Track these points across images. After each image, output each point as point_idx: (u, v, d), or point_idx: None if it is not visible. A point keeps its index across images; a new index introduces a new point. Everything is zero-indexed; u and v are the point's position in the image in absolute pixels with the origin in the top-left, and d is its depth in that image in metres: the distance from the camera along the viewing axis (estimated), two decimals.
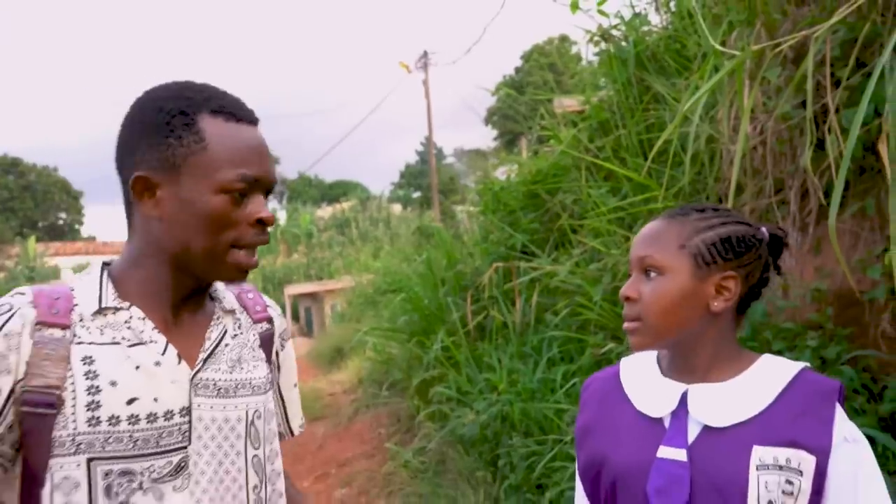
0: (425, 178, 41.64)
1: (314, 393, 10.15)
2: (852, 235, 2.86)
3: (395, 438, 6.68)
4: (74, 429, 1.15)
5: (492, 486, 4.50)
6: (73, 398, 1.16)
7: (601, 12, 4.91)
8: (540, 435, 4.16)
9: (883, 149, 2.21)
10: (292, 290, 27.07)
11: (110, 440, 1.17)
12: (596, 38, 5.26)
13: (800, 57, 3.00)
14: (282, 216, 35.26)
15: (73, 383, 1.16)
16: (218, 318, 1.33)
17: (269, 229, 1.28)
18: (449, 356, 5.98)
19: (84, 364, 1.18)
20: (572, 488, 3.54)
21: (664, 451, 1.27)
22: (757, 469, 1.20)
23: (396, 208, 37.45)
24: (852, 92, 2.69)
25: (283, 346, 1.50)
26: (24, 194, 52.65)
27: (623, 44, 5.03)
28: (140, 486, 1.18)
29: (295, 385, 1.55)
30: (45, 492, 1.14)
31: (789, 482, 1.19)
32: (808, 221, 3.10)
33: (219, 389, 1.28)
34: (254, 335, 1.39)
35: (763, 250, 1.35)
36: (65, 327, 1.18)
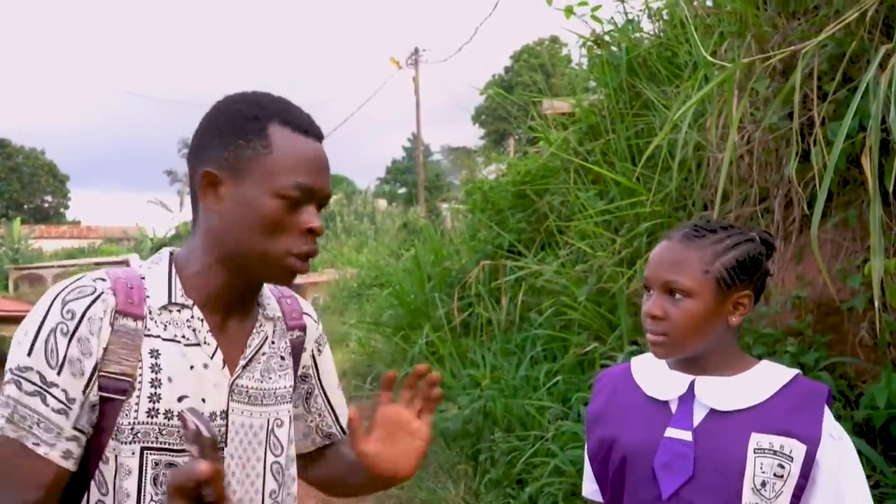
0: (411, 175, 41.60)
1: None
2: (834, 245, 2.93)
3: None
4: (135, 418, 1.21)
5: (472, 480, 4.56)
6: (139, 388, 1.21)
7: (595, 18, 4.97)
8: (521, 431, 4.22)
9: (866, 162, 2.27)
10: None
11: (163, 432, 1.22)
12: (589, 44, 5.31)
13: (788, 69, 3.07)
14: None
15: (141, 374, 1.22)
16: (260, 326, 1.37)
17: (319, 240, 1.34)
18: (433, 351, 6.04)
19: (151, 357, 1.23)
20: (552, 484, 3.60)
21: (671, 432, 1.43)
22: (754, 452, 1.36)
23: (382, 203, 37.34)
24: (838, 106, 2.76)
25: (319, 350, 1.54)
26: (10, 176, 52.23)
27: (615, 50, 5.09)
28: None
29: (338, 386, 1.58)
30: (111, 470, 1.21)
31: (781, 466, 1.35)
32: (792, 230, 3.17)
33: (250, 396, 1.33)
34: (285, 343, 1.43)
35: (766, 263, 1.49)
36: (138, 318, 1.23)
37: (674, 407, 1.46)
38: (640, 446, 1.45)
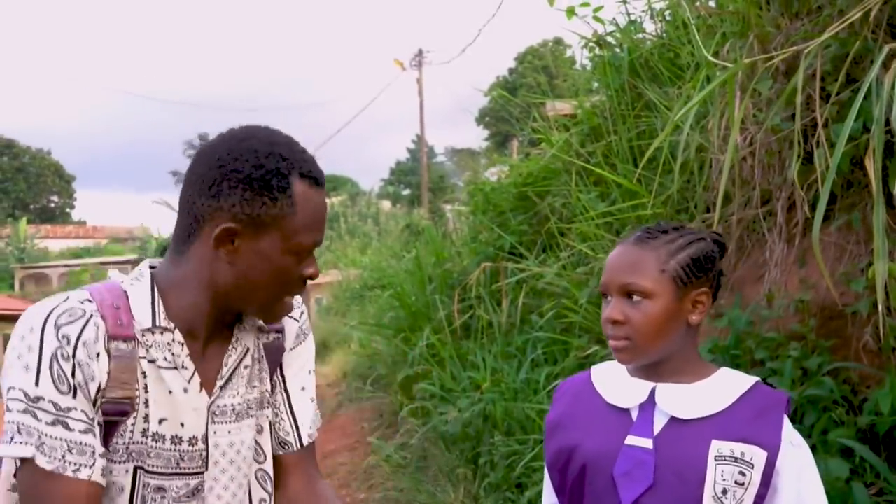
0: (415, 176, 41.62)
1: None
2: (838, 248, 2.89)
3: (378, 433, 6.69)
4: (130, 438, 1.21)
5: (472, 484, 4.53)
6: (136, 409, 1.21)
7: (597, 19, 4.93)
8: (521, 435, 4.18)
9: (869, 164, 2.24)
10: None
11: (151, 454, 1.23)
12: (591, 45, 5.27)
13: (792, 70, 3.03)
14: None
15: (137, 395, 1.21)
16: (237, 341, 1.35)
17: (324, 241, 1.34)
18: (434, 353, 6.00)
19: (143, 378, 1.22)
20: None
21: (632, 440, 1.42)
22: (715, 459, 1.36)
23: (386, 205, 37.36)
24: (842, 107, 2.72)
25: (293, 347, 1.47)
26: (17, 176, 52.47)
27: (617, 50, 5.05)
28: (180, 501, 1.25)
29: (304, 389, 1.48)
30: None
31: (742, 473, 1.35)
32: (795, 233, 3.13)
33: (236, 414, 1.32)
34: (260, 347, 1.40)
35: (720, 261, 1.51)
36: (129, 339, 1.22)
37: (634, 414, 1.46)
38: (601, 454, 1.44)
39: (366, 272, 14.44)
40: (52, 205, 56.71)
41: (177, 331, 1.26)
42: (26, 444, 1.12)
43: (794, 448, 1.39)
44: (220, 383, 1.30)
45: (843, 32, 2.63)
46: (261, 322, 1.39)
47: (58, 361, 1.14)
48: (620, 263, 1.47)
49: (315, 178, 1.26)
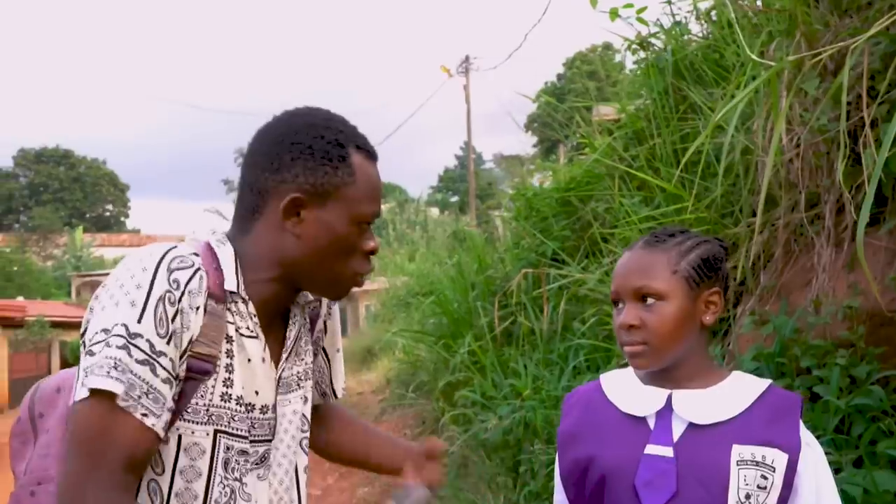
0: (464, 183, 41.69)
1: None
2: (888, 253, 2.79)
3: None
4: (210, 400, 1.22)
5: (512, 492, 4.49)
6: (217, 371, 1.23)
7: (641, 20, 4.86)
8: None
9: None
10: None
11: (235, 418, 1.25)
12: (634, 47, 5.20)
13: (840, 69, 2.94)
14: None
15: (220, 357, 1.23)
16: (294, 316, 1.39)
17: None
18: (475, 360, 5.97)
19: (227, 343, 1.25)
20: None
21: (651, 449, 1.41)
22: (737, 464, 1.35)
23: (434, 212, 37.46)
24: (891, 106, 2.63)
25: (330, 313, 1.56)
26: (73, 185, 53.92)
27: (662, 52, 4.97)
28: (251, 468, 1.28)
29: (338, 350, 1.61)
30: (171, 450, 1.21)
31: (764, 476, 1.34)
32: (843, 237, 3.02)
33: (290, 385, 1.38)
34: (304, 319, 1.45)
35: (727, 262, 1.51)
36: (221, 301, 1.24)
37: (651, 423, 1.43)
38: (620, 465, 1.42)
39: (412, 279, 14.48)
40: (108, 213, 58.14)
41: (250, 303, 1.29)
42: (118, 380, 1.12)
43: (810, 448, 1.40)
44: (285, 355, 1.35)
45: (892, 28, 2.53)
46: (310, 296, 1.44)
47: (164, 304, 1.16)
48: (631, 268, 1.47)
49: (369, 151, 1.32)
